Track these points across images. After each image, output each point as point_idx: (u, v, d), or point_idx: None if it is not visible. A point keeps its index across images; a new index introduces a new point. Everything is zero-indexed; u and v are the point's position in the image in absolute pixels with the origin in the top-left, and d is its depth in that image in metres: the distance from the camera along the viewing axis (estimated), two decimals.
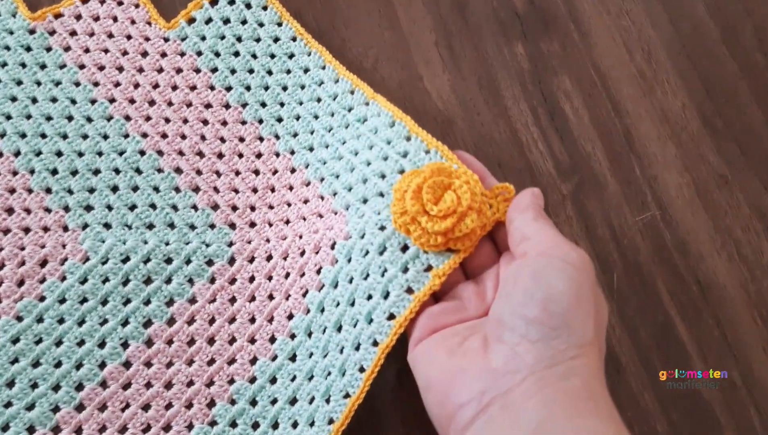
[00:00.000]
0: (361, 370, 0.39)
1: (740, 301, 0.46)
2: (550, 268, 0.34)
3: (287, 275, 0.44)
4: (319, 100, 0.47)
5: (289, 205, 0.46)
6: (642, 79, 0.51)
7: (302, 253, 0.44)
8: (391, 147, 0.42)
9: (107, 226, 0.45)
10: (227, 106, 0.48)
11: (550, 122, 0.49)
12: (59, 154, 0.46)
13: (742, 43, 0.52)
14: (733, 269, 0.47)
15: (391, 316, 0.39)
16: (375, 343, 0.39)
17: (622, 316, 0.45)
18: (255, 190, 0.46)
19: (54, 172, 0.45)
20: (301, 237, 0.44)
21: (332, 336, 0.41)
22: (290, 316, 0.43)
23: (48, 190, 0.45)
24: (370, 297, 0.40)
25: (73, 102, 0.47)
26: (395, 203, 0.39)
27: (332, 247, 0.42)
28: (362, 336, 0.39)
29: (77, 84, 0.47)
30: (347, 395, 0.39)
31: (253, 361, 0.42)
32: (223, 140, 0.47)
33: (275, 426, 0.41)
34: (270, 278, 0.44)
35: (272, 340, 0.43)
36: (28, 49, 0.48)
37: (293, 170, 0.47)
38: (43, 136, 0.46)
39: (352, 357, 0.39)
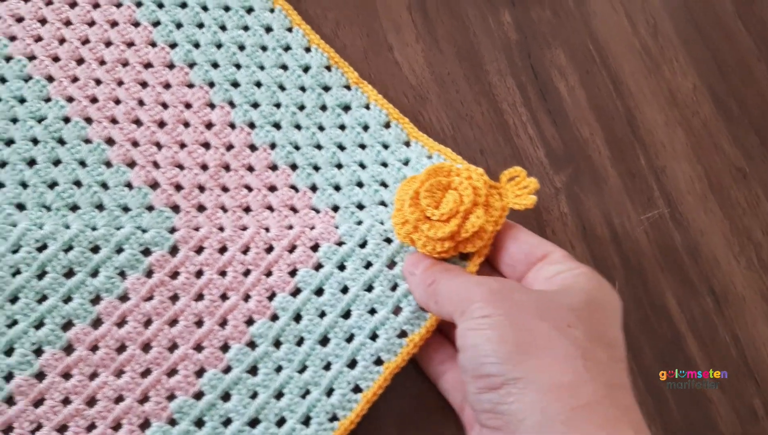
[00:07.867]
0: (356, 390, 0.38)
1: (761, 314, 0.44)
2: (470, 331, 0.33)
3: (247, 273, 0.40)
4: (285, 67, 0.44)
5: (249, 189, 0.42)
6: (647, 55, 0.48)
7: (269, 249, 0.41)
8: (390, 153, 0.42)
9: (20, 207, 0.40)
10: (171, 66, 0.44)
11: (542, 102, 0.47)
12: None
13: (759, 16, 0.50)
14: (752, 277, 0.44)
15: (403, 334, 0.39)
16: (379, 361, 0.39)
17: (623, 331, 0.41)
18: (204, 168, 0.42)
19: None
20: (268, 230, 0.41)
21: (314, 349, 0.39)
22: (250, 321, 0.39)
23: None
24: (373, 311, 0.39)
25: None
26: (395, 214, 0.39)
27: (314, 249, 0.40)
28: (362, 352, 0.39)
29: None
30: (335, 418, 0.38)
31: (200, 373, 0.39)
32: (165, 106, 0.43)
33: None
34: (223, 274, 0.40)
35: (225, 348, 0.39)
36: None
37: (253, 147, 0.43)
38: None
39: (345, 375, 0.38)
